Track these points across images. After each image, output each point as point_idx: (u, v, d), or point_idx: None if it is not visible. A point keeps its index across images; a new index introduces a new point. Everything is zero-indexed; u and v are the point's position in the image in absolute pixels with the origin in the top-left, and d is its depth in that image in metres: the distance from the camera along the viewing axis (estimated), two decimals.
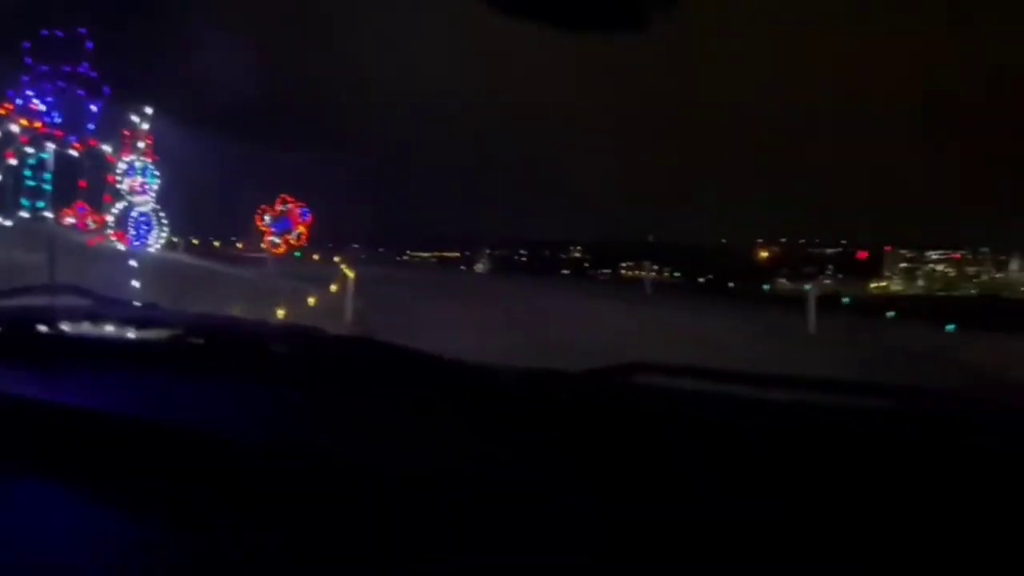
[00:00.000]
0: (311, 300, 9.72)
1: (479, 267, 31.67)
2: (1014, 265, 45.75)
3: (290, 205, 19.00)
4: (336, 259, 16.59)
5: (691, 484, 0.81)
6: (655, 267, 22.22)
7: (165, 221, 16.34)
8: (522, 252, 43.20)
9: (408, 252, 40.74)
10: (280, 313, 7.79)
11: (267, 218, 18.35)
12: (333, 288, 11.01)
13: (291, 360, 1.26)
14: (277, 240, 18.67)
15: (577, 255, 46.95)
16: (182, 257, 16.06)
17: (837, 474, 0.82)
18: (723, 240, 48.92)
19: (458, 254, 43.15)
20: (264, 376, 1.17)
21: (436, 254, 44.40)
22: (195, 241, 25.07)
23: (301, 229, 19.17)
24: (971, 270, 47.03)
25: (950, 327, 10.13)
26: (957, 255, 47.27)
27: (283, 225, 18.98)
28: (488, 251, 38.77)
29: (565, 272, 37.97)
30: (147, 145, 15.75)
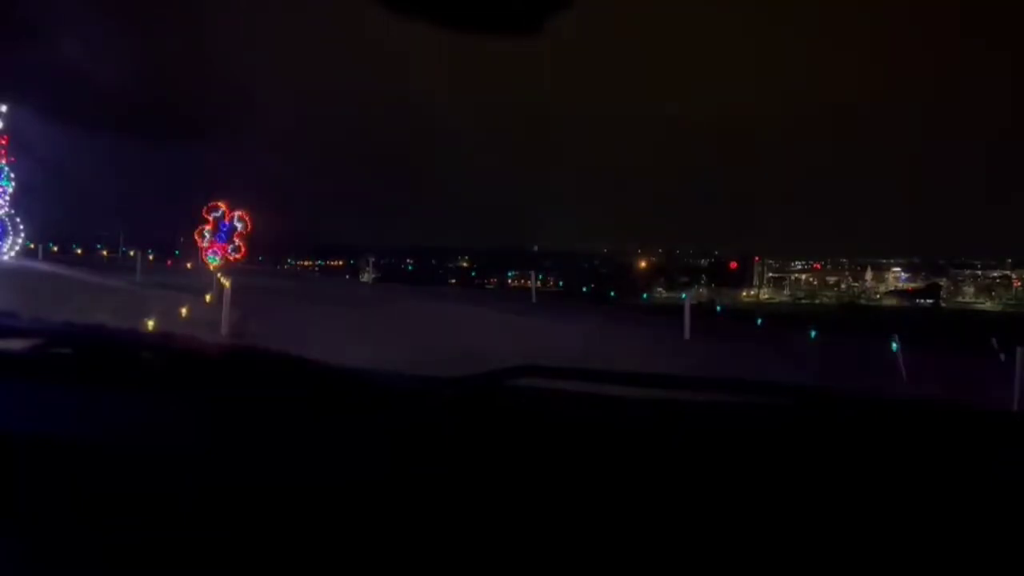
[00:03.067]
0: (183, 311, 9.23)
1: (365, 276, 30.97)
2: (869, 274, 49.29)
3: (224, 210, 16.81)
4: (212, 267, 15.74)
5: (572, 480, 0.82)
6: (540, 277, 22.44)
7: (21, 227, 15.19)
8: (409, 261, 42.70)
9: (290, 261, 39.48)
10: (149, 325, 7.32)
11: (207, 233, 16.12)
12: (208, 298, 10.51)
13: (167, 369, 1.21)
14: (215, 257, 16.40)
15: (464, 264, 46.83)
16: (40, 265, 14.83)
17: (710, 462, 0.87)
18: (604, 250, 50.27)
19: (342, 263, 42.05)
20: (139, 386, 1.13)
21: (320, 263, 43.12)
22: (54, 248, 23.42)
23: (238, 241, 17.06)
24: (831, 279, 50.37)
25: (812, 333, 10.81)
26: (818, 265, 50.53)
27: (222, 237, 16.68)
28: (374, 260, 38.08)
29: (452, 281, 37.79)
30: (2, 146, 14.53)
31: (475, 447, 0.93)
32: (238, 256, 15.61)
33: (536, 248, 47.44)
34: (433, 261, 45.05)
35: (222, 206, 15.71)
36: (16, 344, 1.27)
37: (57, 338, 1.32)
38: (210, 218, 14.95)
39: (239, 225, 15.39)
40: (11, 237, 15.21)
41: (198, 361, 1.26)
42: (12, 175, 15.03)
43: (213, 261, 14.67)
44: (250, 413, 1.03)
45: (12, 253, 15.01)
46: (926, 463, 0.88)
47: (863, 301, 47.86)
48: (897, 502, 0.79)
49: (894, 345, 8.32)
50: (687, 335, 10.73)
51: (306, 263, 42.38)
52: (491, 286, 36.38)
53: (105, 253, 25.27)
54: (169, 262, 21.85)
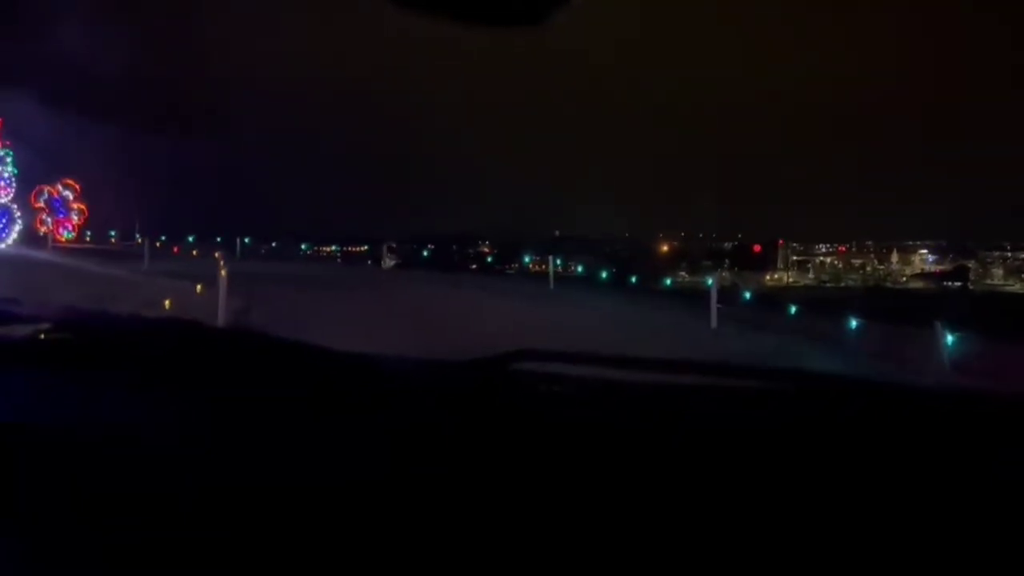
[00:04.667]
0: (166, 303, 8.81)
1: (386, 262, 31.07)
2: (895, 257, 48.48)
3: (47, 190, 16.92)
4: (217, 255, 15.59)
5: (570, 465, 0.81)
6: (560, 262, 22.12)
7: (19, 215, 15.01)
8: (429, 247, 42.79)
9: (309, 246, 39.42)
10: (142, 314, 6.97)
11: (47, 218, 16.44)
12: (199, 288, 10.12)
13: (169, 356, 1.19)
14: (68, 231, 16.74)
15: (484, 250, 46.91)
16: (40, 253, 14.69)
17: (713, 451, 0.84)
18: (626, 234, 49.87)
19: (364, 248, 42.31)
20: (141, 373, 1.12)
21: (340, 249, 43.34)
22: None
23: (74, 208, 17.13)
24: (856, 262, 49.62)
25: (853, 321, 10.06)
26: (843, 248, 49.83)
27: (61, 212, 16.96)
28: (394, 246, 38.21)
29: (473, 267, 37.87)
30: None
31: (475, 448, 0.91)
32: (80, 221, 15.78)
33: (557, 233, 47.11)
34: (454, 247, 45.21)
35: (45, 189, 15.91)
36: (16, 330, 1.25)
37: (58, 323, 1.30)
38: (39, 204, 15.14)
39: (68, 194, 15.69)
40: (16, 224, 15.08)
41: (200, 347, 1.23)
42: (9, 160, 14.84)
43: (68, 236, 14.92)
44: (254, 404, 1.01)
45: (10, 241, 14.86)
46: (946, 455, 0.84)
47: (889, 284, 47.24)
48: (912, 500, 0.75)
49: (948, 338, 7.68)
50: (713, 323, 10.20)
51: (327, 249, 42.73)
52: (511, 271, 36.30)
53: (113, 240, 25.20)
54: (176, 249, 21.69)
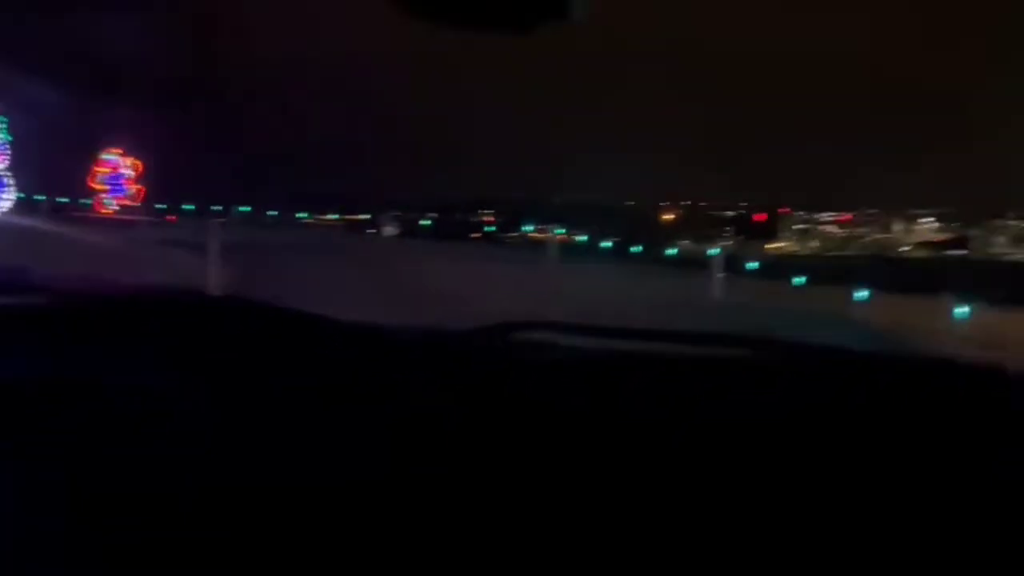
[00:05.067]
0: (167, 269, 8.79)
1: (388, 230, 31.28)
2: (898, 225, 48.42)
3: (119, 155, 17.52)
4: (213, 223, 15.61)
5: (570, 435, 0.82)
6: (560, 230, 22.10)
7: (11, 181, 14.97)
8: (432, 215, 42.81)
9: (301, 215, 39.34)
10: (128, 284, 6.92)
11: (100, 176, 16.80)
12: (192, 256, 10.05)
13: (166, 331, 1.17)
14: (111, 201, 17.31)
15: (486, 218, 46.98)
16: (26, 221, 14.65)
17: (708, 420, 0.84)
18: (629, 202, 49.71)
19: (366, 217, 42.31)
20: (143, 344, 1.11)
21: (340, 217, 43.33)
22: (63, 201, 23.38)
23: (129, 187, 17.81)
24: (860, 230, 49.53)
25: (866, 292, 9.93)
26: (847, 216, 49.72)
27: (118, 188, 17.57)
28: (395, 214, 38.33)
29: (474, 236, 37.90)
30: None
31: (476, 446, 0.89)
32: (134, 201, 16.40)
33: (558, 201, 47.02)
34: (456, 215, 45.21)
35: (117, 151, 16.29)
36: (19, 299, 1.22)
37: (42, 298, 1.27)
38: (106, 163, 15.48)
39: (129, 173, 16.24)
40: (10, 192, 15.00)
41: (201, 316, 1.21)
42: (5, 129, 14.75)
43: (109, 205, 15.46)
44: (248, 399, 0.98)
45: (3, 208, 14.82)
46: (958, 430, 0.81)
47: (891, 253, 47.30)
48: (930, 480, 0.72)
49: (954, 308, 7.59)
50: (717, 293, 10.12)
51: (328, 217, 42.65)
52: (513, 239, 36.34)
53: (111, 210, 25.12)
54: (174, 217, 21.63)
